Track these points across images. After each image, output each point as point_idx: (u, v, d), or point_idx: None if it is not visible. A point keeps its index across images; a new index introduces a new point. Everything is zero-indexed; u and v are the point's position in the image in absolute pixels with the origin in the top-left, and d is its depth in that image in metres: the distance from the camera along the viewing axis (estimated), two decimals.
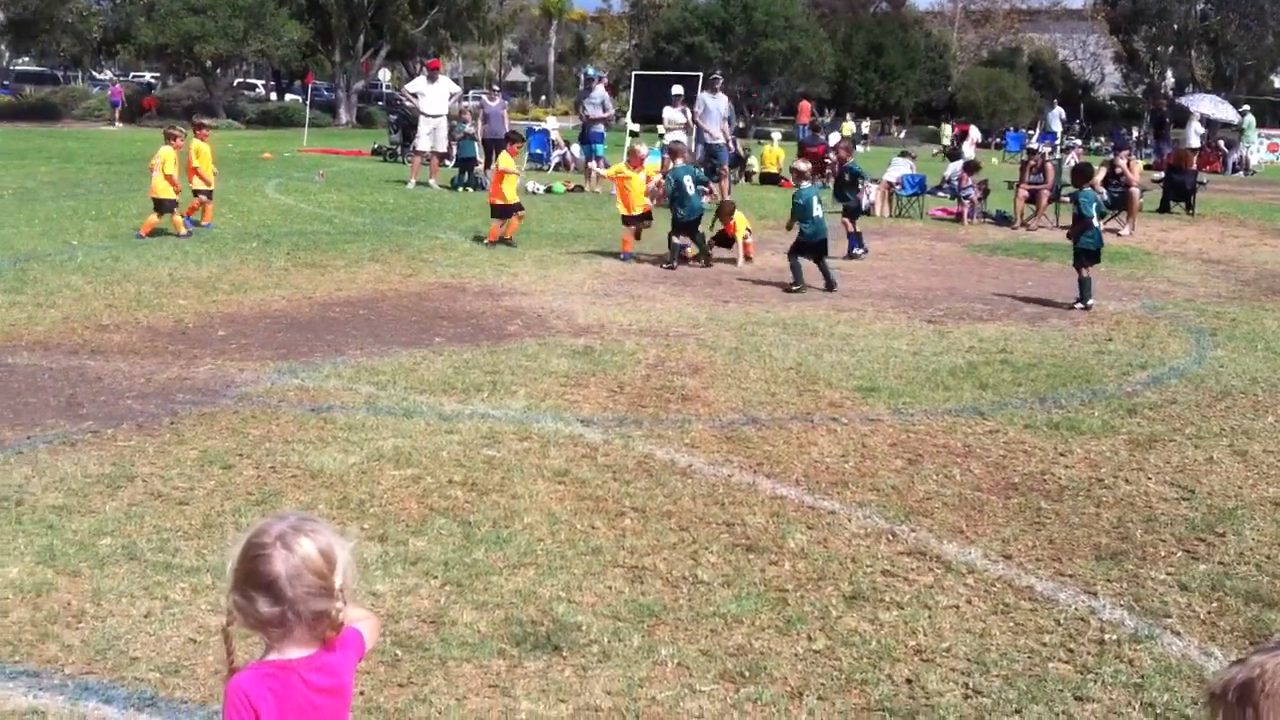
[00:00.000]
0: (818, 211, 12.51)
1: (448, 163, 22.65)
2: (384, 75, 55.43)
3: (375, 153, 29.44)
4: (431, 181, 21.34)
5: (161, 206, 13.84)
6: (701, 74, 23.68)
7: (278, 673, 2.20)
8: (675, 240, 13.76)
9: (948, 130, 47.21)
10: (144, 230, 13.70)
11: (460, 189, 21.23)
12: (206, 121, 16.18)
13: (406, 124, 26.08)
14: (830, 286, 12.17)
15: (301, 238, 14.27)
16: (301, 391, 7.54)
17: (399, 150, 27.44)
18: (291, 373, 8.02)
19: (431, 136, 21.47)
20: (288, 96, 58.13)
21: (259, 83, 68.59)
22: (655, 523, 5.46)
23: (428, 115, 21.37)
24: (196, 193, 14.64)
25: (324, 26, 51.01)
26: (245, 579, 2.21)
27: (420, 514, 5.45)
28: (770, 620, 4.49)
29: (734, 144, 22.87)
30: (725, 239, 14.34)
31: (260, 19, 44.89)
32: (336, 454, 6.23)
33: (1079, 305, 11.45)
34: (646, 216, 14.37)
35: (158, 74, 64.84)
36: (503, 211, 14.61)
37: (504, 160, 15.09)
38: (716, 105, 20.93)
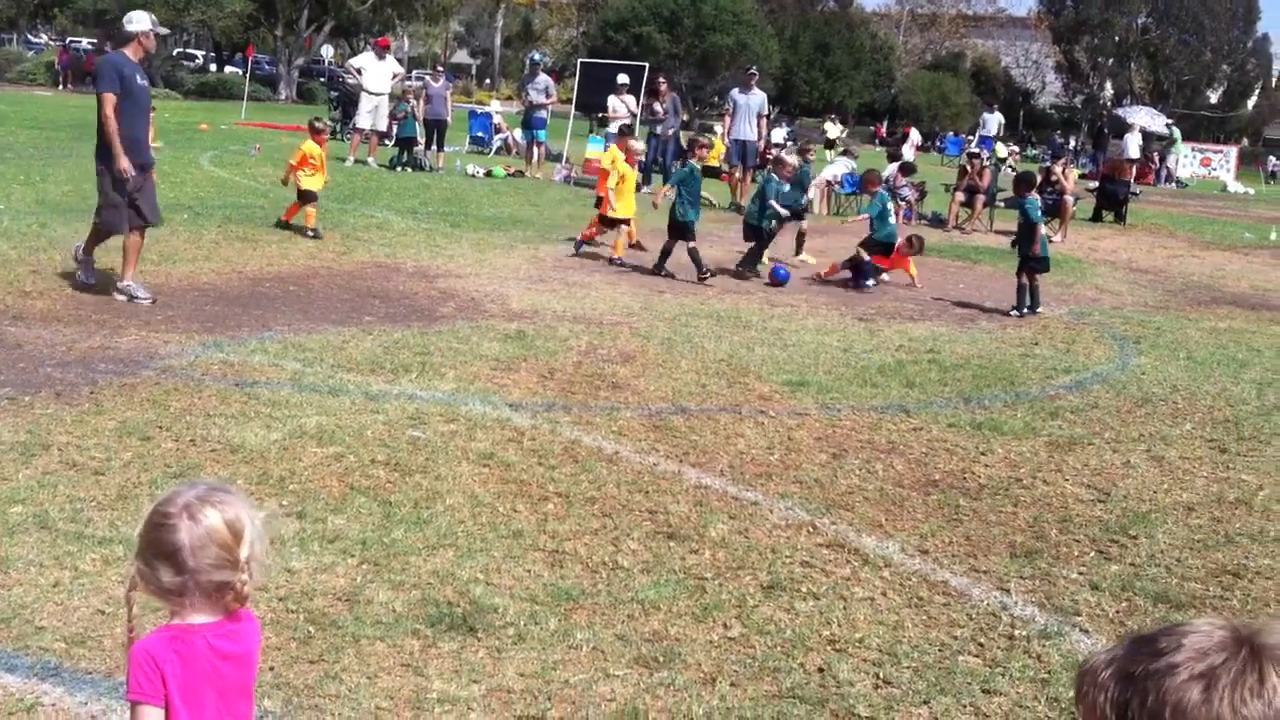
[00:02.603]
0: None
1: (387, 142, 22.46)
2: (327, 52, 54.77)
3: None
4: (370, 160, 21.14)
5: (305, 197, 13.12)
6: (647, 64, 23.57)
7: (183, 635, 2.20)
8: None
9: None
10: (288, 218, 13.17)
11: (399, 169, 21.06)
12: None
13: (347, 101, 25.81)
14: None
15: (234, 211, 14.07)
16: (226, 366, 7.44)
17: (338, 127, 27.15)
18: (217, 346, 7.91)
19: (373, 114, 21.28)
20: (228, 69, 57.35)
21: (199, 53, 67.54)
22: (578, 508, 5.46)
23: (370, 93, 21.18)
24: None
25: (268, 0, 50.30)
26: (149, 547, 2.21)
27: (341, 492, 5.40)
28: (687, 607, 4.51)
29: (764, 141, 22.20)
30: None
31: None
32: (258, 429, 6.15)
33: (1014, 312, 11.47)
34: (625, 222, 13.43)
35: (95, 40, 63.63)
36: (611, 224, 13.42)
37: (616, 160, 13.62)
38: (748, 102, 20.49)
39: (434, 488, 5.55)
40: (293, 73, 52.13)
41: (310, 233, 12.83)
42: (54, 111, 29.26)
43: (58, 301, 8.81)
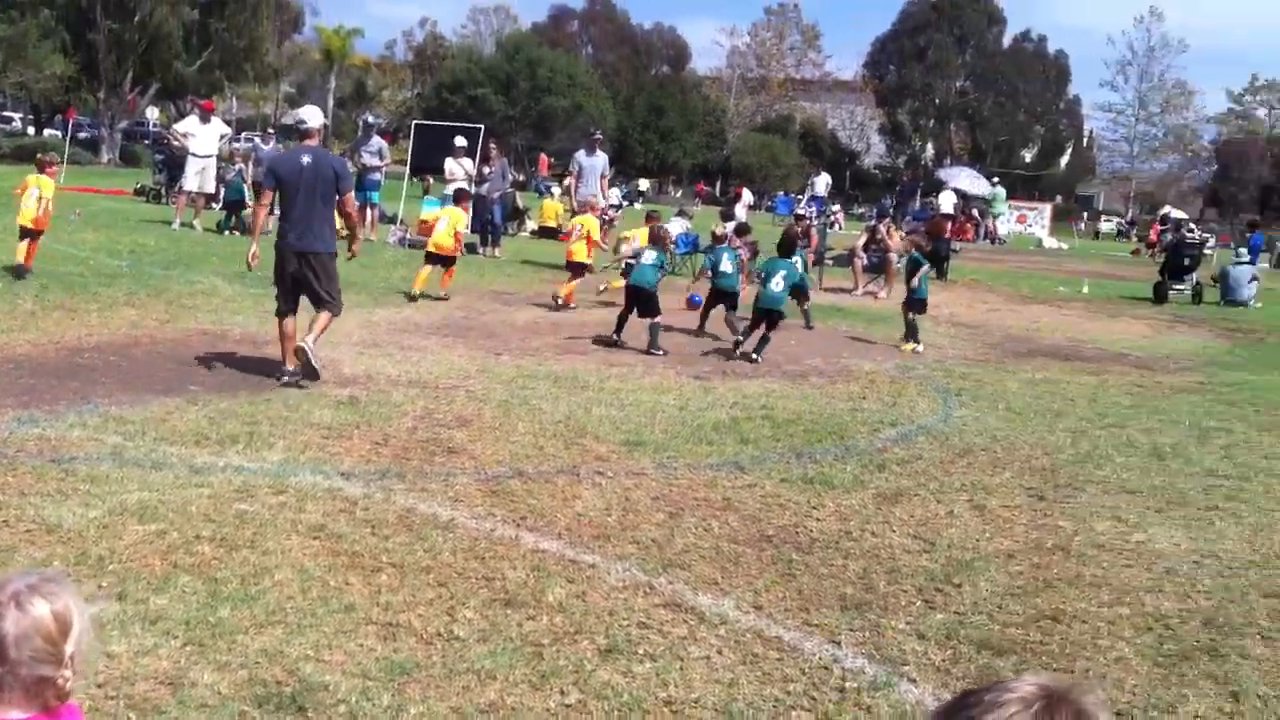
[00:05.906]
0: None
1: (214, 205, 22.00)
2: (152, 113, 53.48)
3: (138, 193, 28.32)
4: (196, 223, 20.68)
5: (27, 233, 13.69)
6: (482, 126, 23.63)
7: None
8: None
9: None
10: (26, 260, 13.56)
11: (227, 232, 20.64)
12: None
13: (173, 163, 25.22)
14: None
15: (52, 279, 13.52)
16: (42, 441, 7.14)
17: (163, 191, 26.49)
18: (32, 421, 7.59)
19: (200, 176, 20.90)
20: (46, 131, 55.51)
21: (16, 115, 65.31)
22: (413, 578, 5.38)
23: (198, 155, 20.78)
24: None
25: (90, 61, 48.78)
26: None
27: (163, 571, 5.22)
28: (524, 675, 4.47)
29: (607, 202, 22.73)
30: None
31: (21, 50, 42.77)
32: (76, 507, 5.91)
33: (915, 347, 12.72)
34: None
35: None
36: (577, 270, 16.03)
37: (590, 225, 16.49)
38: (593, 164, 20.60)
39: (262, 563, 5.41)
40: (115, 135, 50.73)
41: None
42: None
43: None
